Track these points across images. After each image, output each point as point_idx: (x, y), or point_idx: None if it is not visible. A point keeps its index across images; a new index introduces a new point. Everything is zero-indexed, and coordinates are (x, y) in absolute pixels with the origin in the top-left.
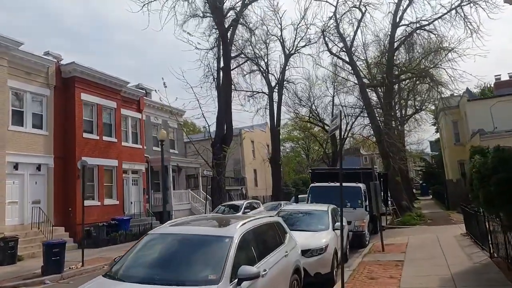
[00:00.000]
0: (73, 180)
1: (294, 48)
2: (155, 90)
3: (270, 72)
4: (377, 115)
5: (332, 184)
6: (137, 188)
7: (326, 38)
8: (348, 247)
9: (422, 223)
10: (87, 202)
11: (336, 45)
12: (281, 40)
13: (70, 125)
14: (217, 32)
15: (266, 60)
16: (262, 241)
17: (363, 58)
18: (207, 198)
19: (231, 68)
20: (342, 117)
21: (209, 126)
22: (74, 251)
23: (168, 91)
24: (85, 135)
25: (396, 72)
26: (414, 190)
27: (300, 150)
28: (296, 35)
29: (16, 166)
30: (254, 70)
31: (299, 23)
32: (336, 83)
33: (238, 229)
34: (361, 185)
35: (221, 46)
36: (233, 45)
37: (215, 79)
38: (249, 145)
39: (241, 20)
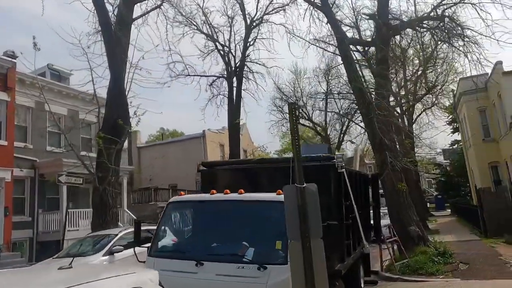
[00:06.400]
0: None
1: (260, 13)
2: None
3: (231, 51)
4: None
5: (212, 196)
6: None
7: None
8: None
9: (448, 272)
10: None
11: None
12: (239, 2)
13: None
14: None
15: (229, 37)
16: None
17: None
18: (65, 225)
19: (133, 19)
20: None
21: (99, 108)
22: None
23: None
24: None
25: (395, 21)
26: (428, 204)
27: None
28: None
29: None
30: (213, 50)
31: None
32: (327, 72)
33: None
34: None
35: None
36: None
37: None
38: (217, 150)
39: None
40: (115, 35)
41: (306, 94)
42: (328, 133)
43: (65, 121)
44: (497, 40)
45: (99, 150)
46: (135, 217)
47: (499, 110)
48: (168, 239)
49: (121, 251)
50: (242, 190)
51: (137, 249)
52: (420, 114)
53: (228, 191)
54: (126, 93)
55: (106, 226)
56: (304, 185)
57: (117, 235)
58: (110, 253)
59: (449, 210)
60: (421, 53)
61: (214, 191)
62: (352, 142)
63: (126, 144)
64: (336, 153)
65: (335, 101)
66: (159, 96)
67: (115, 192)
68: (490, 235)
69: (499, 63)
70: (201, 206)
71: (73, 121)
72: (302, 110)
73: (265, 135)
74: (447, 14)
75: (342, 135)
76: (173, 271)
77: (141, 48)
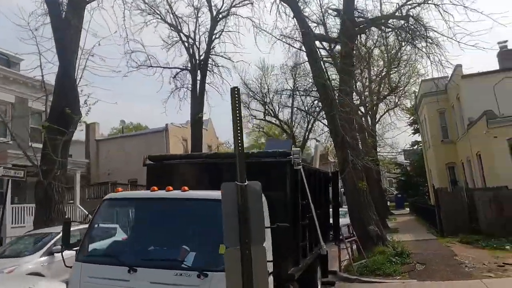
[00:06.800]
0: None
1: (226, 5)
2: None
3: (196, 43)
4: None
5: (150, 194)
6: None
7: None
8: None
9: (405, 273)
10: None
11: None
12: None
13: None
14: None
15: (194, 29)
16: None
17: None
18: (2, 222)
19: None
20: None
21: (47, 95)
22: None
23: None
24: None
25: (361, 19)
26: (388, 203)
27: None
28: None
29: None
30: (177, 41)
31: None
32: (293, 69)
33: None
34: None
35: None
36: None
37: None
38: (180, 145)
39: None
40: (65, 17)
41: (273, 91)
42: (294, 130)
43: (12, 109)
44: (458, 41)
45: (44, 141)
46: (88, 213)
47: (458, 112)
48: (100, 242)
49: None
50: (186, 187)
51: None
52: (383, 115)
53: (171, 188)
54: (78, 80)
55: (51, 223)
56: (246, 183)
57: (59, 233)
58: (50, 253)
59: (408, 209)
60: (385, 54)
61: (155, 188)
62: (317, 140)
63: (83, 136)
64: (293, 148)
65: (301, 98)
66: (119, 86)
67: (61, 186)
68: (446, 235)
69: (459, 66)
70: (138, 205)
71: (20, 109)
72: (268, 106)
73: (231, 131)
74: (411, 14)
75: (307, 133)
76: (101, 278)
77: (95, 33)
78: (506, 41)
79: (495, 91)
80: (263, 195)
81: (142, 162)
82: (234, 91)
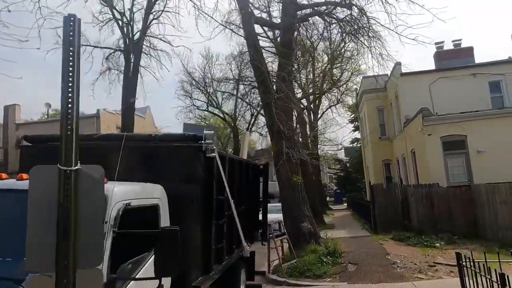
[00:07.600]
0: None
1: None
2: None
3: (131, 23)
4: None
5: None
6: None
7: None
8: None
9: (336, 274)
10: None
11: None
12: None
13: None
14: None
15: (131, 6)
16: None
17: None
18: None
19: None
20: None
21: None
22: None
23: None
24: None
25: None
26: (327, 198)
27: None
28: None
29: None
30: (111, 19)
31: None
32: (237, 58)
33: None
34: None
35: None
36: None
37: None
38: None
39: None
40: None
41: (216, 80)
42: (237, 123)
43: None
44: (400, 34)
45: None
46: None
47: (395, 110)
48: None
49: None
50: (24, 175)
51: None
52: (325, 111)
53: (24, 176)
54: None
55: None
56: (76, 167)
57: None
58: None
59: (346, 204)
60: (329, 50)
61: (4, 175)
62: (260, 134)
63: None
64: (205, 131)
65: (245, 90)
66: (46, 64)
67: None
68: (379, 231)
69: (398, 64)
70: None
71: None
72: (211, 97)
73: (172, 121)
74: (355, 3)
75: (250, 126)
76: None
77: None
78: (442, 42)
79: (431, 90)
80: (162, 188)
81: (16, 143)
82: (69, 20)
